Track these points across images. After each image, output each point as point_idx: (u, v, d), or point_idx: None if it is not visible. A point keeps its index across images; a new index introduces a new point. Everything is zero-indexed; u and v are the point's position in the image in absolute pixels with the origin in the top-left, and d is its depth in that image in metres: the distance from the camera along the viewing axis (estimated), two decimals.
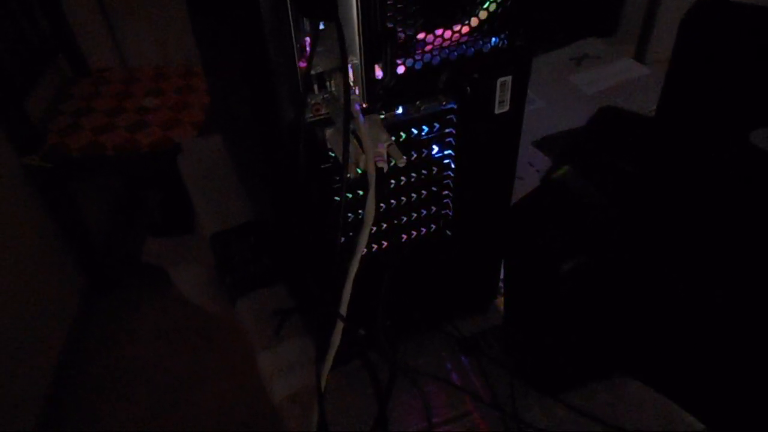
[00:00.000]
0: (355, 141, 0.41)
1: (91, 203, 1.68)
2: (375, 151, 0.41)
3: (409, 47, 0.42)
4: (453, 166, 0.51)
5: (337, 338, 0.43)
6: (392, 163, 0.45)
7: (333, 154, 0.45)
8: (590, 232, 0.47)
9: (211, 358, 1.48)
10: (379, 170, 0.42)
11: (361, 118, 0.40)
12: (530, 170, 0.84)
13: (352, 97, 0.40)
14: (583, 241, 0.47)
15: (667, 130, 0.55)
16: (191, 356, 1.50)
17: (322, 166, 0.45)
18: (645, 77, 1.01)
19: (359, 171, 0.43)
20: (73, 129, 1.43)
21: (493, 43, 0.45)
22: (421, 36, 0.42)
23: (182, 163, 0.89)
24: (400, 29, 0.41)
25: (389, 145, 0.43)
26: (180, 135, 1.43)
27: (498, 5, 0.43)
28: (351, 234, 0.50)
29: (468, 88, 0.46)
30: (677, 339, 0.54)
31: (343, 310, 0.43)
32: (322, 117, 0.43)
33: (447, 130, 0.49)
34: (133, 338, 1.56)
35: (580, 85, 0.99)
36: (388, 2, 0.40)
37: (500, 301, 0.66)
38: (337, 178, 0.46)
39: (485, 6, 0.43)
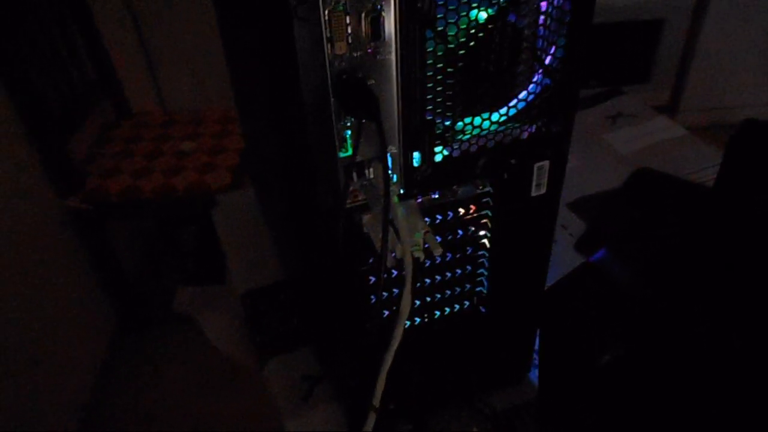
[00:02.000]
0: (391, 229, 0.42)
1: (126, 243, 1.72)
2: (411, 240, 0.41)
3: (447, 136, 0.43)
4: (488, 245, 0.51)
5: (369, 428, 0.43)
6: (426, 246, 0.45)
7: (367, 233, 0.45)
8: (629, 323, 0.46)
9: (238, 404, 1.48)
10: (415, 259, 0.42)
11: (398, 208, 0.40)
12: (564, 233, 0.83)
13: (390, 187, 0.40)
14: (622, 332, 0.45)
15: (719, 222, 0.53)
16: (218, 400, 1.50)
17: (359, 250, 0.45)
18: (681, 137, 0.99)
19: (395, 255, 0.43)
20: (113, 172, 1.47)
21: (530, 131, 0.45)
22: (459, 126, 0.43)
23: (217, 217, 0.91)
24: (438, 120, 0.42)
25: (426, 233, 0.43)
26: (215, 179, 1.46)
27: (536, 96, 0.43)
28: (386, 314, 0.50)
29: (505, 173, 0.46)
30: None
31: (377, 401, 0.42)
32: (359, 203, 0.43)
33: (483, 212, 0.49)
34: (161, 380, 1.57)
35: (615, 145, 0.98)
36: (428, 96, 0.40)
37: (535, 374, 0.65)
38: (371, 260, 0.47)
39: (523, 97, 0.43)
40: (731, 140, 0.48)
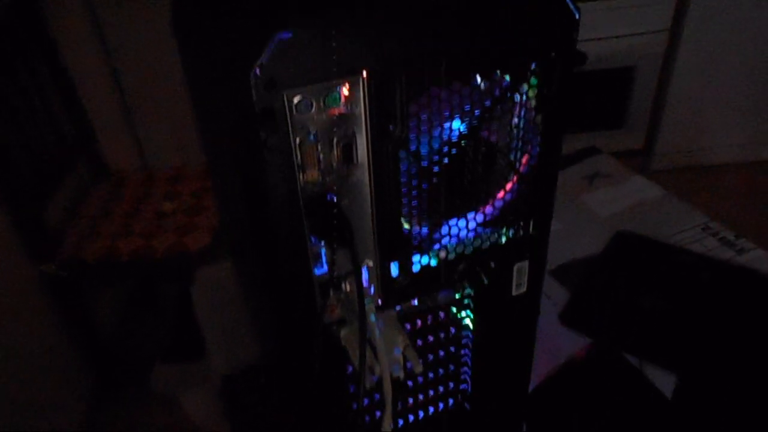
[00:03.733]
0: (370, 346, 0.40)
1: (103, 304, 1.68)
2: (390, 359, 0.40)
3: (424, 246, 0.42)
4: (470, 345, 0.50)
5: None
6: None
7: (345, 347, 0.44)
8: (619, 425, 0.45)
9: None
10: (395, 380, 0.41)
11: (377, 328, 0.39)
12: (547, 303, 0.82)
13: (367, 304, 0.39)
14: None
15: None
16: None
17: (336, 362, 0.44)
18: (658, 198, 1.00)
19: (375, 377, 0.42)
20: (90, 235, 1.44)
21: (508, 235, 0.45)
22: (436, 236, 0.42)
23: (195, 294, 0.89)
24: (415, 230, 0.41)
25: (406, 347, 0.42)
26: (195, 241, 1.44)
27: (512, 201, 0.43)
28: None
29: (484, 277, 0.45)
30: None
31: None
32: (337, 317, 0.42)
33: (464, 313, 0.48)
34: None
35: (594, 207, 0.99)
36: (403, 210, 0.40)
37: None
38: (351, 366, 0.45)
39: (498, 205, 0.43)
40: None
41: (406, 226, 0.41)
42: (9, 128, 1.31)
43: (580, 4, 0.39)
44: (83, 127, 1.61)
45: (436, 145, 0.38)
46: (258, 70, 0.31)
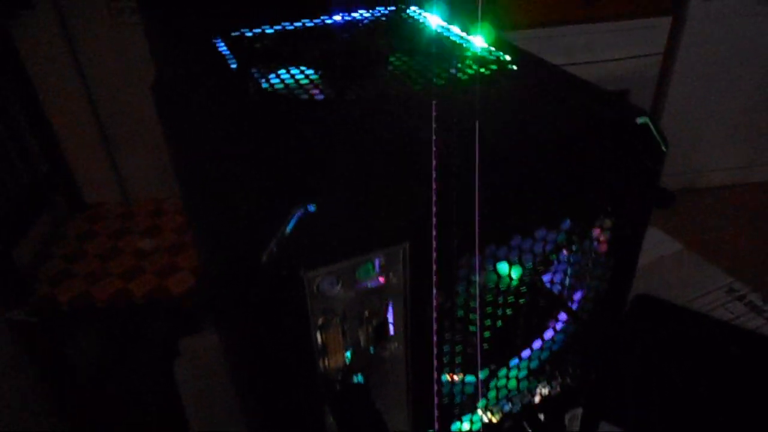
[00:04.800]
0: None
1: (80, 348, 1.58)
2: None
3: (466, 410, 0.35)
4: None
5: None
6: None
7: None
8: None
9: None
10: None
11: None
12: None
13: None
14: None
15: None
16: None
17: None
18: (677, 253, 0.94)
19: None
20: (64, 277, 1.34)
21: (561, 385, 0.37)
22: (480, 397, 0.35)
23: (179, 369, 0.80)
24: (456, 394, 0.34)
25: None
26: (177, 284, 1.35)
27: (565, 344, 0.36)
28: None
29: None
30: None
31: None
32: None
33: None
34: None
35: None
36: (444, 376, 0.32)
37: None
38: None
39: (549, 355, 0.35)
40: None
41: (446, 393, 0.33)
42: None
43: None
44: (57, 158, 1.51)
45: (487, 309, 0.30)
46: (272, 249, 0.23)
